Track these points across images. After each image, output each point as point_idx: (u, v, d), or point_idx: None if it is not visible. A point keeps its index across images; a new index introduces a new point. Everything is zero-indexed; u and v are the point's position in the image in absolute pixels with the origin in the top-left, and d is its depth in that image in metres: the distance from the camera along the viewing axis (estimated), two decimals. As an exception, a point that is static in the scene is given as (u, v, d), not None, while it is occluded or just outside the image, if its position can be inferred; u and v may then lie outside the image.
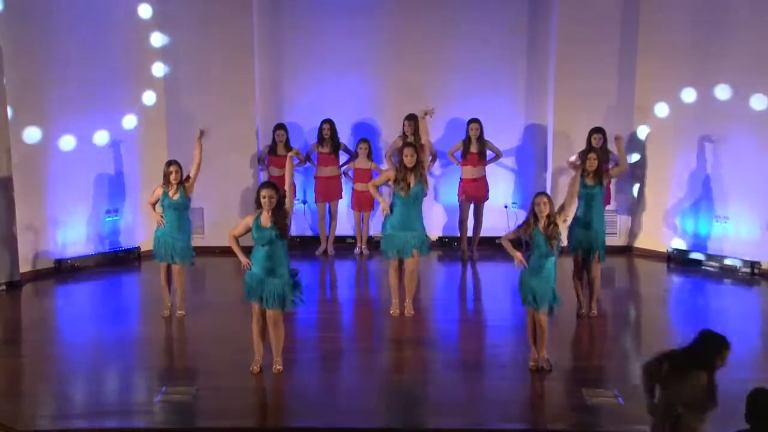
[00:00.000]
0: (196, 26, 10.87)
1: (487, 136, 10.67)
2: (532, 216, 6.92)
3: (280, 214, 6.81)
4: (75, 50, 10.10)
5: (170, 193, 8.27)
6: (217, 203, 11.01)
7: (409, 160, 8.15)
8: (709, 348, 5.02)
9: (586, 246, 8.34)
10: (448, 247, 11.23)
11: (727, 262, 10.14)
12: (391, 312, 8.49)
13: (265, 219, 6.80)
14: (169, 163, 8.33)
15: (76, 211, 10.28)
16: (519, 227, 7.09)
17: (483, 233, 10.84)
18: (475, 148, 10.65)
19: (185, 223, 8.37)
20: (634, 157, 10.85)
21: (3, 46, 9.31)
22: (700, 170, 10.37)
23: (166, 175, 8.26)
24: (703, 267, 10.30)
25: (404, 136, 10.77)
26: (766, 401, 4.60)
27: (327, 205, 11.01)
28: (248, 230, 6.89)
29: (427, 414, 6.50)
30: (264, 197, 6.77)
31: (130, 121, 10.74)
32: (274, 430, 6.24)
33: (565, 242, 7.22)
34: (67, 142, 10.15)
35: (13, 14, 9.53)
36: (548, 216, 6.87)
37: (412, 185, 8.16)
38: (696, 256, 10.42)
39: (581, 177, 8.31)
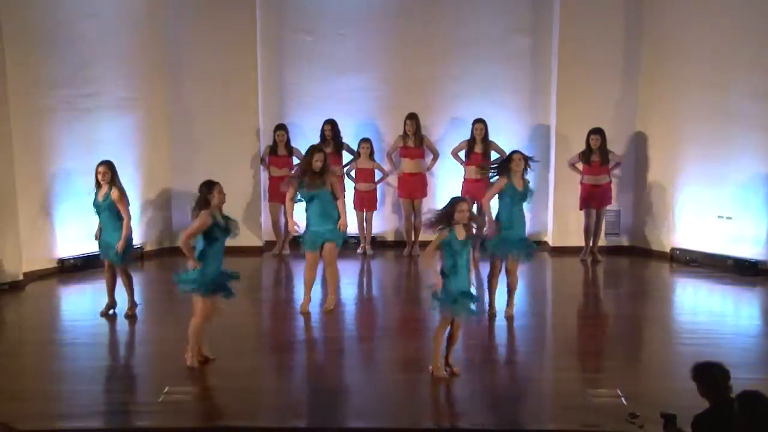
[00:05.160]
0: (199, 27, 10.88)
1: (489, 136, 10.67)
2: (447, 220, 6.76)
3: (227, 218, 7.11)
4: (79, 50, 10.11)
5: (98, 195, 8.32)
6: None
7: (317, 165, 8.19)
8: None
9: (508, 248, 8.21)
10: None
11: (730, 261, 10.10)
12: (301, 310, 8.50)
13: (220, 218, 7.04)
14: (99, 164, 8.33)
15: (79, 211, 10.28)
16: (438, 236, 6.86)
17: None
18: (479, 149, 10.65)
19: (110, 222, 8.36)
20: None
21: (6, 44, 9.32)
22: (703, 169, 10.34)
23: (96, 175, 8.32)
24: (706, 266, 10.27)
25: (405, 135, 10.79)
26: (757, 403, 4.58)
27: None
28: (201, 226, 6.95)
29: (430, 414, 6.49)
30: (220, 192, 6.98)
31: (133, 121, 10.75)
32: (278, 429, 6.23)
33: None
34: (70, 142, 10.15)
35: (20, 10, 9.55)
36: (467, 224, 6.75)
37: (314, 189, 8.22)
38: (699, 255, 10.39)
39: (508, 179, 8.23)
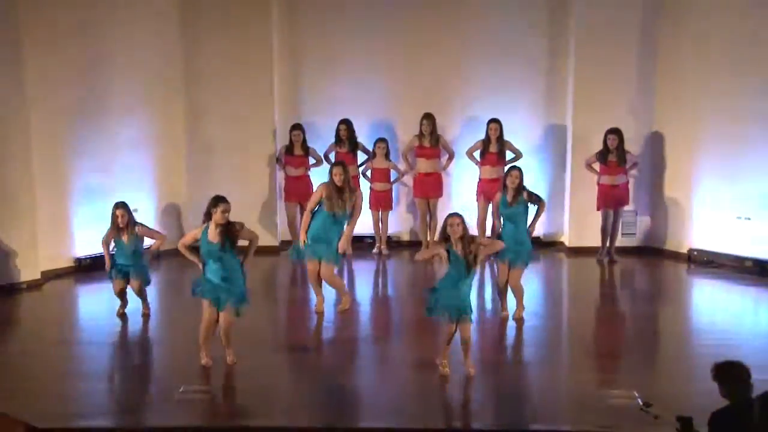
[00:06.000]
0: (215, 26, 10.91)
1: (506, 136, 10.65)
2: (443, 236, 6.76)
3: (231, 230, 6.91)
4: (97, 52, 10.17)
5: (123, 238, 8.34)
6: (234, 203, 10.91)
7: (337, 179, 8.14)
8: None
9: (513, 258, 8.12)
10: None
11: (749, 262, 10.00)
12: (316, 310, 8.52)
13: (213, 234, 6.90)
14: (116, 206, 8.32)
15: (96, 210, 10.34)
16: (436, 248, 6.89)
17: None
18: (494, 148, 10.62)
19: (139, 249, 8.46)
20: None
21: (26, 44, 9.38)
22: (721, 169, 10.25)
23: (113, 219, 8.31)
24: (724, 267, 10.18)
25: (421, 135, 10.77)
26: None
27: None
28: (196, 241, 7.03)
29: (445, 414, 6.47)
30: (224, 212, 6.88)
31: (150, 121, 10.80)
32: (292, 429, 6.23)
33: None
34: (87, 142, 10.21)
35: (40, 11, 9.61)
36: (462, 237, 6.68)
37: (339, 210, 8.15)
38: (717, 256, 10.30)
39: (503, 195, 8.22)
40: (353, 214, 8.35)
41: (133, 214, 8.50)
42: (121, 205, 8.32)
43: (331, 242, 8.27)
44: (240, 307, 7.04)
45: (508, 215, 8.23)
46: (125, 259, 8.39)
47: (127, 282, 8.45)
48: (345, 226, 8.31)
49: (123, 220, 8.30)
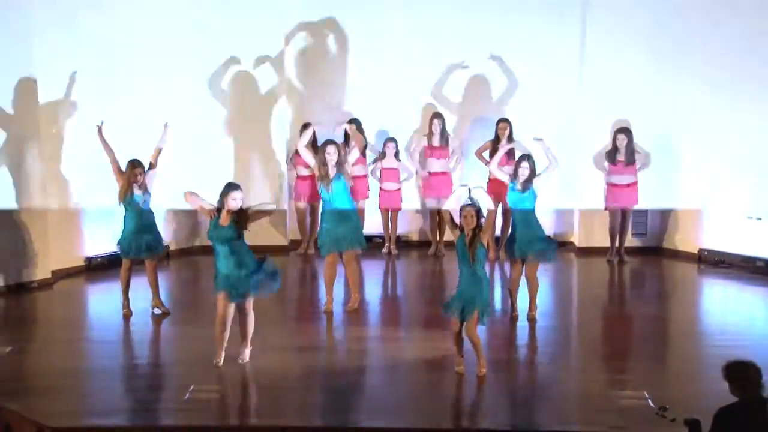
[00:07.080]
0: (227, 26, 10.92)
1: (515, 136, 10.63)
2: (457, 225, 6.85)
3: (242, 216, 7.00)
4: (107, 48, 10.17)
5: (139, 192, 8.43)
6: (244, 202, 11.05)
7: (331, 157, 8.28)
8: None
9: (525, 251, 8.13)
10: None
11: (760, 262, 9.96)
12: (325, 309, 8.54)
13: (225, 219, 6.98)
14: (133, 165, 8.42)
15: (106, 210, 10.36)
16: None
17: (510, 233, 10.78)
18: (504, 148, 10.61)
19: (149, 217, 8.54)
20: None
21: (36, 46, 9.42)
22: (732, 168, 10.21)
23: (131, 178, 8.41)
24: (735, 267, 10.14)
25: (430, 134, 10.76)
26: None
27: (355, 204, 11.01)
28: (203, 210, 7.13)
29: (455, 414, 6.47)
30: (235, 199, 6.96)
31: (160, 119, 10.80)
32: (302, 428, 6.25)
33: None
34: (97, 141, 10.23)
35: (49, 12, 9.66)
36: (473, 230, 6.75)
37: (330, 183, 8.30)
38: (727, 256, 10.26)
39: (511, 184, 8.22)
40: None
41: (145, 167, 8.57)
42: (138, 164, 8.44)
43: (342, 224, 8.35)
44: (263, 291, 7.14)
45: (516, 202, 8.20)
46: (142, 223, 8.41)
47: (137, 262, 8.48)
48: (348, 201, 8.46)
49: (142, 177, 8.42)
